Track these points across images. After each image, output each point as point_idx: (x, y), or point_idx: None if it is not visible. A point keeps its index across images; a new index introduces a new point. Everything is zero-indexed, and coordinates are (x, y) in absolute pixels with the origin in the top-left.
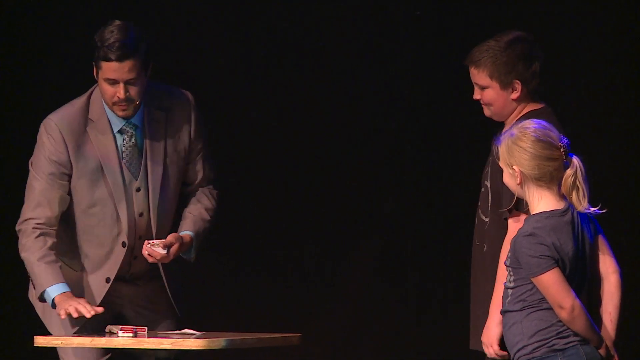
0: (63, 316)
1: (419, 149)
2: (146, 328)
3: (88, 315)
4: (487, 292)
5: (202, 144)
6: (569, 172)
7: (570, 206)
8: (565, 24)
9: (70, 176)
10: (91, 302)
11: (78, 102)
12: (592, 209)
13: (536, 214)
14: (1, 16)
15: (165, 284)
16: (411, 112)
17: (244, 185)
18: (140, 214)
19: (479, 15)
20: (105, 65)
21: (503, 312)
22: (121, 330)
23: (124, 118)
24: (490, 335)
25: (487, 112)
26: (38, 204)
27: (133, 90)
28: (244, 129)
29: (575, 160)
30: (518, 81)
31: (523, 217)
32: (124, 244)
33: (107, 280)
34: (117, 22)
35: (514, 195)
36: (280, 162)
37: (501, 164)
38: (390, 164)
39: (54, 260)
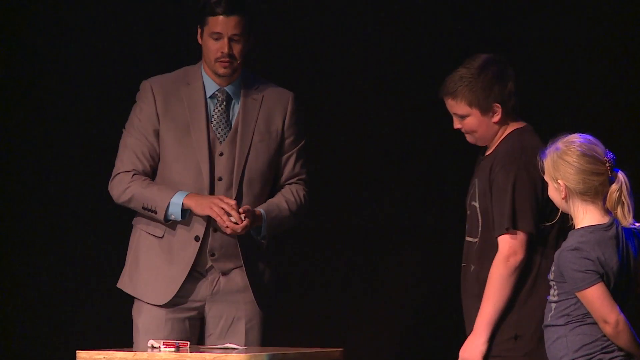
0: (216, 217)
1: (460, 162)
2: (188, 342)
3: (235, 229)
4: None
5: (296, 138)
6: (614, 187)
7: (614, 221)
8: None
9: (158, 132)
10: (182, 264)
11: (178, 70)
12: (637, 224)
13: (580, 228)
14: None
15: (243, 265)
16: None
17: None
18: (220, 179)
19: (490, 17)
20: (211, 20)
21: (545, 327)
22: (163, 344)
23: (223, 77)
24: (474, 352)
25: (470, 139)
26: (129, 157)
27: (236, 48)
28: None
29: (621, 175)
30: (497, 104)
31: (520, 235)
32: None
33: (197, 238)
34: None
35: (509, 212)
36: (318, 173)
37: (546, 177)
38: (432, 176)
39: (160, 184)
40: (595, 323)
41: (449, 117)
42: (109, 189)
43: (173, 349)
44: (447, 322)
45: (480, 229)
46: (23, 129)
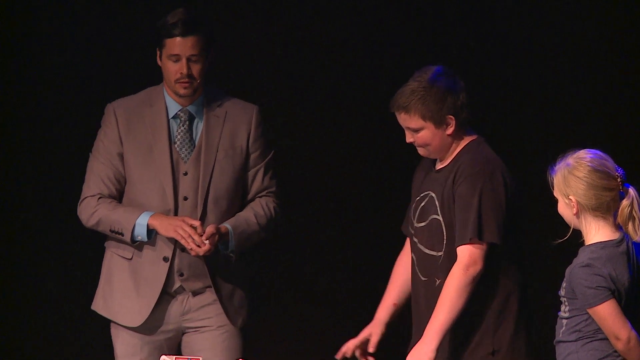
0: (181, 240)
1: None
2: (200, 357)
3: (198, 252)
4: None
5: (262, 152)
6: (625, 202)
7: (625, 236)
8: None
9: (122, 155)
10: (152, 285)
11: (142, 92)
12: None
13: (591, 244)
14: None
15: (212, 285)
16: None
17: (308, 209)
18: (185, 198)
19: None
20: (169, 41)
21: (557, 343)
22: (176, 359)
23: (183, 97)
24: (423, 359)
25: (423, 152)
26: (95, 182)
27: (195, 68)
28: (315, 138)
29: (632, 190)
30: (451, 116)
31: (483, 246)
32: None
33: (165, 259)
34: (180, 8)
35: (475, 224)
36: (340, 181)
37: (556, 194)
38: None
39: (124, 205)
40: (606, 339)
41: None
42: (77, 213)
43: None
44: None
45: (445, 242)
46: (22, 131)
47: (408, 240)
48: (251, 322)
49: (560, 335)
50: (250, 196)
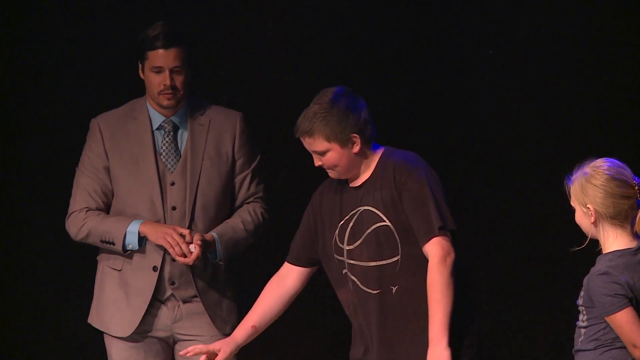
0: (169, 248)
1: (506, 155)
2: None
3: (186, 261)
4: (421, 327)
5: (248, 159)
6: None
7: None
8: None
9: (108, 169)
10: (142, 294)
11: (125, 105)
12: None
13: (609, 252)
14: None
15: (197, 291)
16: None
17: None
18: (173, 208)
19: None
20: (151, 54)
21: (575, 352)
22: None
23: (167, 108)
24: (443, 359)
25: (333, 174)
26: (82, 196)
27: (178, 80)
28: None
29: None
30: (355, 134)
31: (447, 234)
32: None
33: (155, 268)
34: (160, 22)
35: (436, 216)
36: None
37: (573, 203)
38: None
39: (112, 215)
40: (624, 347)
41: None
42: (66, 227)
43: None
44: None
45: (400, 247)
46: (22, 132)
47: (286, 267)
48: None
49: (579, 344)
50: (237, 202)
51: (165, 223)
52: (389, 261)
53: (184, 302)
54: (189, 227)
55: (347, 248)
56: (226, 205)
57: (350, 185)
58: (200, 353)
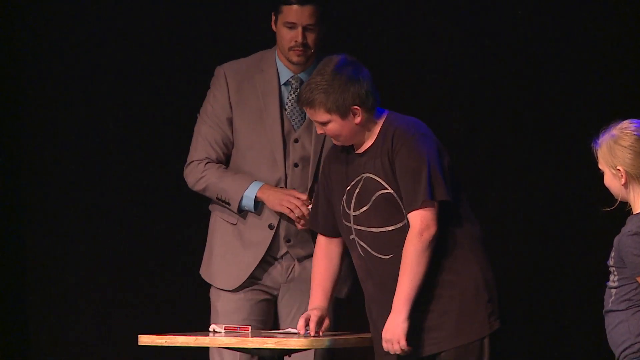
0: (288, 213)
1: (515, 150)
2: (250, 327)
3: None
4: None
5: None
6: None
7: None
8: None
9: (231, 120)
10: (255, 249)
11: (253, 55)
12: None
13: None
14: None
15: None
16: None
17: None
18: (296, 165)
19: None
20: (286, 9)
21: (606, 312)
22: (225, 329)
23: (297, 65)
24: (397, 331)
25: (337, 142)
26: (203, 145)
27: (310, 37)
28: None
29: None
30: (356, 106)
31: (433, 208)
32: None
33: (271, 226)
34: None
35: (424, 187)
36: None
37: (601, 166)
38: (488, 166)
39: (233, 172)
40: None
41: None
42: (184, 175)
43: (234, 334)
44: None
45: (405, 212)
46: (21, 132)
47: (322, 239)
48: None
49: (610, 305)
50: None
51: (286, 180)
52: (396, 226)
53: (300, 260)
54: (311, 188)
55: (354, 214)
56: None
57: (356, 151)
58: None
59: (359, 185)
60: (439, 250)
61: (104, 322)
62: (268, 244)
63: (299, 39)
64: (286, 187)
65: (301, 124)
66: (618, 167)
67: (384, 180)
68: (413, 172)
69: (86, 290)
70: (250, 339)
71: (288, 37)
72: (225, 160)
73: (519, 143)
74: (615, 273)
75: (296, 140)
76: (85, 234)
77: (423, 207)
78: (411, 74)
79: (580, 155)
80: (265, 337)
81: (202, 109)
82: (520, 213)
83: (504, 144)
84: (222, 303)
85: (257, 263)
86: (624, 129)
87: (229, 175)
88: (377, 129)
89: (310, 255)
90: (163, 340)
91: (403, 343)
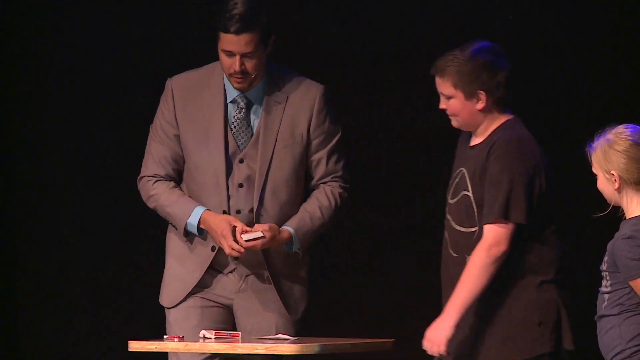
0: (227, 250)
1: None
2: (240, 333)
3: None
4: (482, 301)
5: (325, 138)
6: None
7: None
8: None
9: (179, 136)
10: (198, 270)
11: (205, 68)
12: None
13: (634, 217)
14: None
15: (270, 277)
16: None
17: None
18: (240, 185)
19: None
20: (222, 36)
21: (599, 317)
22: (215, 335)
23: (239, 90)
24: (440, 335)
25: (454, 122)
26: (153, 162)
27: (249, 64)
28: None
29: None
30: (482, 91)
31: (508, 226)
32: (224, 212)
33: (213, 248)
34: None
35: (501, 203)
36: (373, 165)
37: (596, 169)
38: None
39: (179, 194)
40: None
41: None
42: (138, 188)
43: (225, 339)
44: None
45: (477, 219)
46: (21, 131)
47: None
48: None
49: (603, 310)
50: (315, 182)
51: (229, 201)
52: (467, 230)
53: (249, 275)
54: (257, 211)
55: (450, 201)
56: (299, 187)
57: (471, 142)
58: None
59: (458, 177)
60: (503, 269)
61: (95, 327)
62: (209, 263)
63: (237, 68)
64: (229, 210)
65: (247, 143)
66: (612, 172)
67: (470, 183)
68: (496, 187)
69: (77, 295)
70: (241, 344)
71: (227, 63)
72: (176, 176)
73: None
74: (608, 278)
75: (241, 160)
76: (77, 238)
77: (497, 223)
78: (409, 75)
79: (573, 159)
80: (255, 342)
81: (154, 122)
82: None
83: None
84: (172, 313)
85: (197, 281)
86: (619, 133)
87: (174, 199)
88: (492, 127)
89: (259, 273)
90: (153, 347)
91: (443, 348)
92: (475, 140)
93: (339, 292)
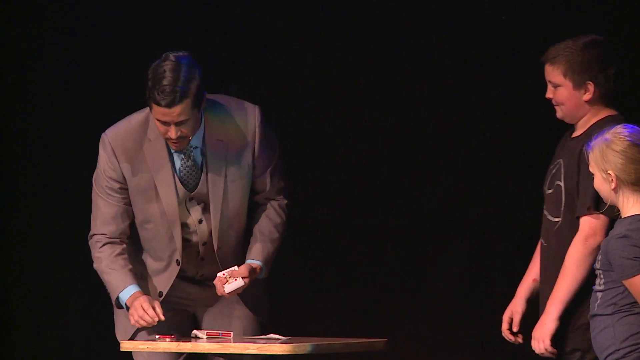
0: (133, 323)
1: (505, 151)
2: (232, 333)
3: (150, 324)
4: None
5: (268, 158)
6: None
7: None
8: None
9: (126, 190)
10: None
11: (136, 118)
12: None
13: (629, 216)
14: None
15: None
16: (497, 113)
17: (326, 189)
18: (200, 221)
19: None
20: (155, 107)
21: (592, 316)
22: (207, 335)
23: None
24: (544, 330)
25: (559, 113)
26: (102, 220)
27: (185, 129)
28: (334, 132)
29: None
30: (591, 82)
31: (602, 217)
32: (177, 262)
33: (160, 294)
34: (171, 58)
35: (593, 194)
36: (366, 166)
37: (593, 169)
38: (476, 167)
39: (121, 265)
40: None
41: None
42: (90, 245)
43: (217, 339)
44: (492, 314)
45: (562, 209)
46: (21, 130)
47: None
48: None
49: (596, 309)
50: (260, 197)
51: (183, 251)
52: (553, 219)
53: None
54: (219, 238)
55: (546, 192)
56: (245, 208)
57: (572, 134)
58: (505, 331)
59: (555, 168)
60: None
61: (88, 327)
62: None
63: (173, 136)
64: (182, 259)
65: (197, 185)
66: (609, 172)
67: (563, 174)
68: (590, 179)
69: (70, 295)
70: (233, 344)
71: (162, 130)
72: (127, 229)
73: (506, 147)
74: (602, 277)
75: (191, 199)
76: (69, 239)
77: (591, 215)
78: (405, 75)
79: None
80: (247, 342)
81: (96, 179)
82: (506, 216)
83: (491, 147)
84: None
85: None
86: (617, 133)
87: (114, 269)
88: (594, 120)
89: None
90: (145, 347)
91: (547, 343)
92: (576, 132)
93: (331, 292)
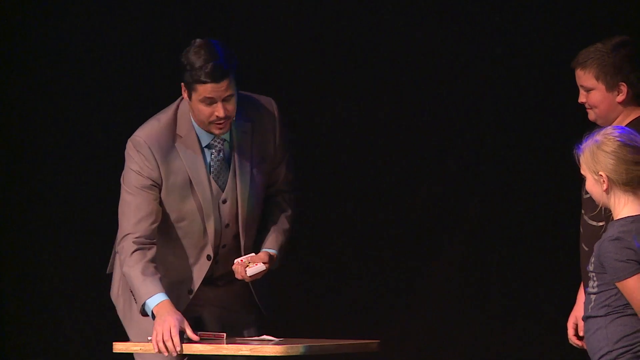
0: (153, 343)
1: (502, 150)
2: (225, 334)
3: (168, 352)
4: None
5: (285, 148)
6: None
7: None
8: None
9: (160, 189)
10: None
11: (164, 118)
12: None
13: (621, 218)
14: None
15: (250, 284)
16: (495, 114)
17: (319, 190)
18: (227, 225)
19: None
20: (201, 87)
21: (585, 318)
22: (200, 336)
23: (219, 135)
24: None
25: (591, 115)
26: (136, 219)
27: (230, 107)
28: (327, 130)
29: None
30: (624, 84)
31: None
32: (208, 257)
33: (190, 291)
34: (199, 41)
35: None
36: (359, 168)
37: (584, 171)
38: (474, 166)
39: (152, 272)
40: (635, 314)
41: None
42: (117, 247)
43: (210, 341)
44: (486, 316)
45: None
46: (21, 130)
47: None
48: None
49: (589, 311)
50: (274, 189)
51: (220, 241)
52: (597, 224)
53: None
54: (245, 239)
55: (584, 197)
56: (262, 204)
57: None
58: (572, 337)
59: None
60: None
61: (81, 329)
62: (184, 307)
63: (221, 114)
64: (218, 248)
65: (227, 182)
66: (600, 173)
67: None
68: None
69: (63, 296)
70: (226, 345)
71: (207, 112)
72: (156, 232)
73: (501, 148)
74: (595, 279)
75: (224, 201)
76: (62, 240)
77: None
78: (403, 76)
79: (561, 161)
80: (240, 344)
81: (127, 179)
82: (500, 218)
83: (486, 148)
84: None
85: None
86: (608, 134)
87: (142, 276)
88: (627, 121)
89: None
90: (137, 348)
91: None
92: None
93: (324, 293)
